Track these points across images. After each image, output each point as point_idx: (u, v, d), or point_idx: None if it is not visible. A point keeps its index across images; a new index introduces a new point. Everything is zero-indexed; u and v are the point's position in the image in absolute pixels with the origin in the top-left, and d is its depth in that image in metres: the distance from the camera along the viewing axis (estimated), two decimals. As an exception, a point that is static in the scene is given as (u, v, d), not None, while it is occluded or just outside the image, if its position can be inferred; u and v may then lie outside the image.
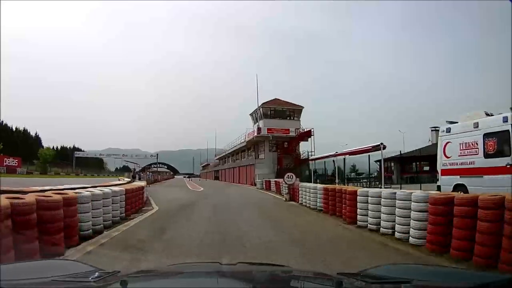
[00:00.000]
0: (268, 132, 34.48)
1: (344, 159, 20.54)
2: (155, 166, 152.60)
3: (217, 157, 67.00)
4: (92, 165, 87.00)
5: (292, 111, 37.73)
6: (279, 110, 37.11)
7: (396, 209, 6.00)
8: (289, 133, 35.80)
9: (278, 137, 35.19)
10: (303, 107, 38.40)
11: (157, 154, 49.85)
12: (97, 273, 1.20)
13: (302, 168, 35.57)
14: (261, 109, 35.91)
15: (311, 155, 34.85)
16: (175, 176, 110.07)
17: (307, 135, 35.44)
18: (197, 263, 2.72)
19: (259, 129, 34.16)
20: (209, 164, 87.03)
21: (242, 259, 2.68)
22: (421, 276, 1.28)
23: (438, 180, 9.84)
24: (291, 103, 38.68)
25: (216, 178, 63.94)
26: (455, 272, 1.55)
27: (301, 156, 36.02)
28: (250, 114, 40.02)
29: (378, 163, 33.90)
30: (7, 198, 3.79)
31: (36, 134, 64.29)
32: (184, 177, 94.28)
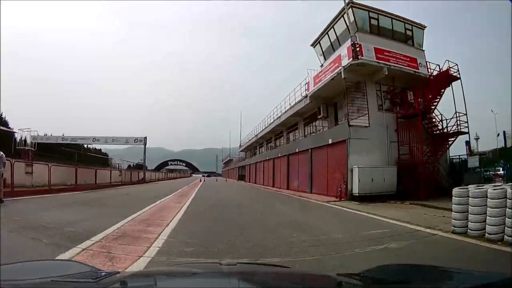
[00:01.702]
0: (378, 58, 13.23)
1: None
2: (172, 163, 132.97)
3: (242, 147, 46.49)
4: (90, 160, 70.86)
5: (409, 30, 16.11)
6: (387, 22, 15.62)
7: None
8: (417, 66, 14.47)
9: (397, 74, 13.90)
10: (425, 26, 16.72)
11: (145, 138, 30.19)
12: (96, 274, 1.18)
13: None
14: (352, 13, 14.50)
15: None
16: (193, 175, 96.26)
17: (445, 77, 13.99)
18: (197, 263, 2.82)
19: (356, 48, 12.72)
20: (232, 160, 66.86)
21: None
22: (421, 277, 1.27)
23: None
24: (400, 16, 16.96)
25: (241, 177, 43.52)
26: (455, 272, 1.40)
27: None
28: (312, 45, 18.83)
29: None
30: None
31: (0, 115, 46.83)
32: (203, 175, 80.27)
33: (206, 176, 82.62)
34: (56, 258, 3.27)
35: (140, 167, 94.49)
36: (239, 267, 1.52)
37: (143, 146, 30.26)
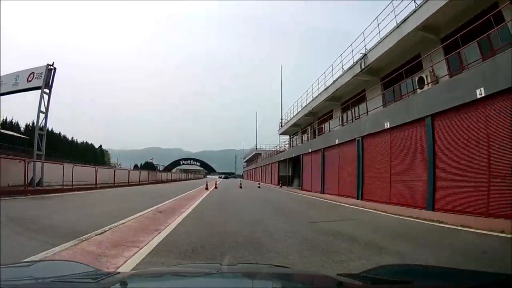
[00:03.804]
0: None
1: None
2: (185, 162, 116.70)
3: (287, 125, 25.58)
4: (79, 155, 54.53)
5: None
6: None
7: None
8: None
9: None
10: None
11: (49, 69, 10.29)
12: (96, 274, 1.16)
13: None
14: None
15: None
16: (208, 176, 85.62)
17: None
18: (197, 264, 2.75)
19: None
20: (260, 155, 46.22)
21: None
22: (422, 277, 1.27)
23: None
24: None
25: (287, 180, 22.87)
26: (455, 272, 1.40)
27: None
28: None
29: None
30: None
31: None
32: (219, 177, 67.11)
33: (223, 178, 62.22)
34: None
35: (150, 167, 76.88)
36: (239, 268, 1.52)
37: (41, 92, 10.26)
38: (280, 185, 22.83)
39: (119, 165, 75.84)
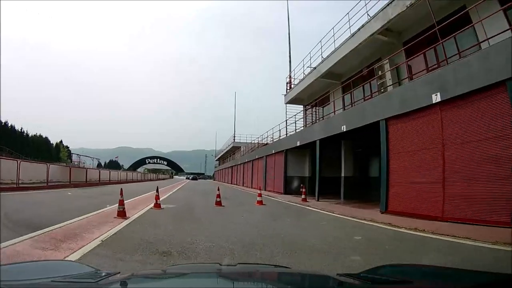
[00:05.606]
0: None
1: None
2: (151, 160, 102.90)
3: (325, 64, 14.17)
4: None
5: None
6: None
7: None
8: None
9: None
10: None
11: None
12: (97, 274, 1.15)
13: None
14: None
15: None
16: (175, 176, 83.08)
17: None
18: (197, 264, 2.70)
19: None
20: (239, 148, 34.41)
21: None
22: (421, 277, 1.25)
23: None
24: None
25: (319, 185, 11.28)
26: (455, 272, 1.41)
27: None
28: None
29: None
30: None
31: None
32: (188, 177, 64.36)
33: (191, 179, 55.83)
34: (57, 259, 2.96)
35: (114, 165, 65.65)
36: (239, 268, 1.50)
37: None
38: (304, 196, 11.09)
39: (83, 163, 66.62)
